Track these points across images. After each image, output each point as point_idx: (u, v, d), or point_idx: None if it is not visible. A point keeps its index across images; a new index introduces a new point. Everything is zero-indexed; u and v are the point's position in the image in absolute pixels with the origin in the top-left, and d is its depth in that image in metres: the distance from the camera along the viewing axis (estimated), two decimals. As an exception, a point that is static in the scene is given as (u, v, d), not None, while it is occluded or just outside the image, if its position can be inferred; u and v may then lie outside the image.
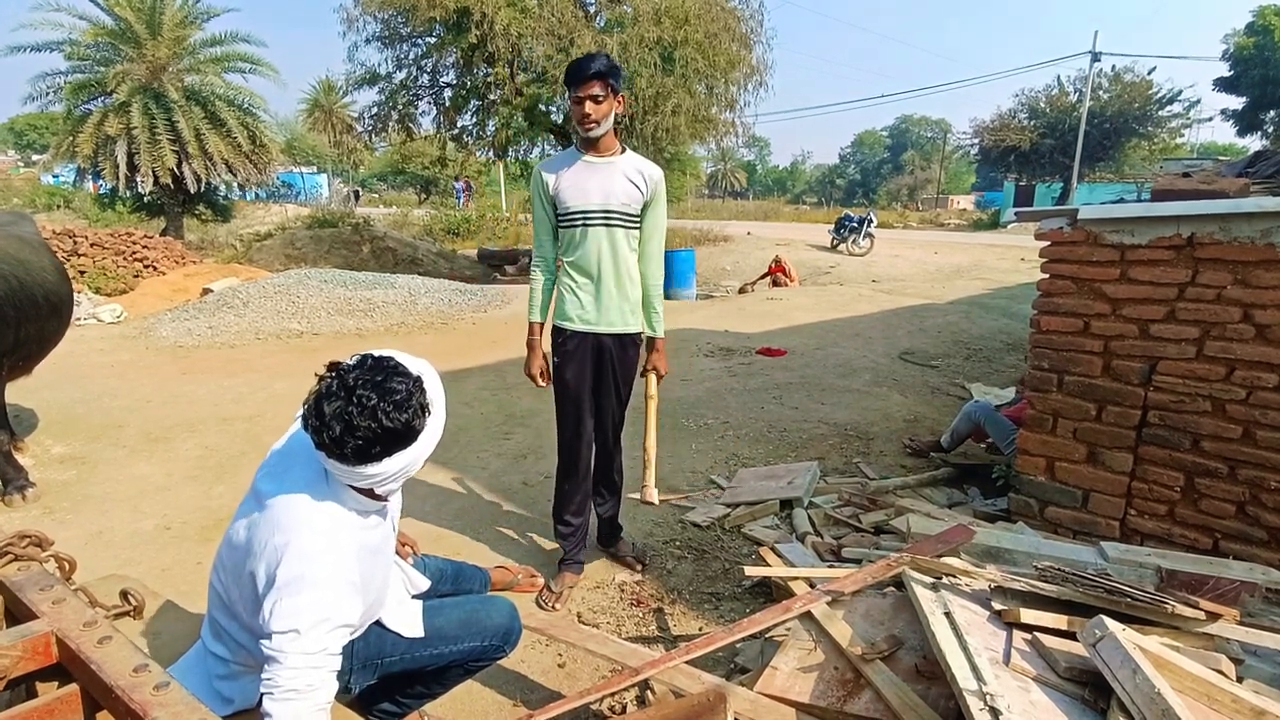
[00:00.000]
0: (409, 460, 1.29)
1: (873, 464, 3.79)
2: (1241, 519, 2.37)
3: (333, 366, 1.29)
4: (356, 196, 33.32)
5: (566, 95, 2.56)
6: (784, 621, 1.95)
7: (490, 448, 4.20)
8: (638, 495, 2.72)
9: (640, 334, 2.63)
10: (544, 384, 2.61)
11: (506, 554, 2.94)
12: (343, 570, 1.29)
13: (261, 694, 1.22)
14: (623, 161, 2.47)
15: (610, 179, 2.44)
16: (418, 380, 1.30)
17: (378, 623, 1.56)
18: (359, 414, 1.21)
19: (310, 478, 1.34)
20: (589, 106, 2.32)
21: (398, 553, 1.87)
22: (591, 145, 2.44)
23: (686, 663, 1.82)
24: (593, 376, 2.58)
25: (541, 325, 2.60)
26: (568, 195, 2.44)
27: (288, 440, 1.45)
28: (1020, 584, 1.74)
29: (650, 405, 2.65)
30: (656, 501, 2.69)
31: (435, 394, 1.33)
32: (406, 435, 1.26)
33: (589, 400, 2.60)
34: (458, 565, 2.14)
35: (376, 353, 1.32)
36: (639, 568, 2.82)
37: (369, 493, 1.35)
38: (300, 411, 1.51)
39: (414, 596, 1.77)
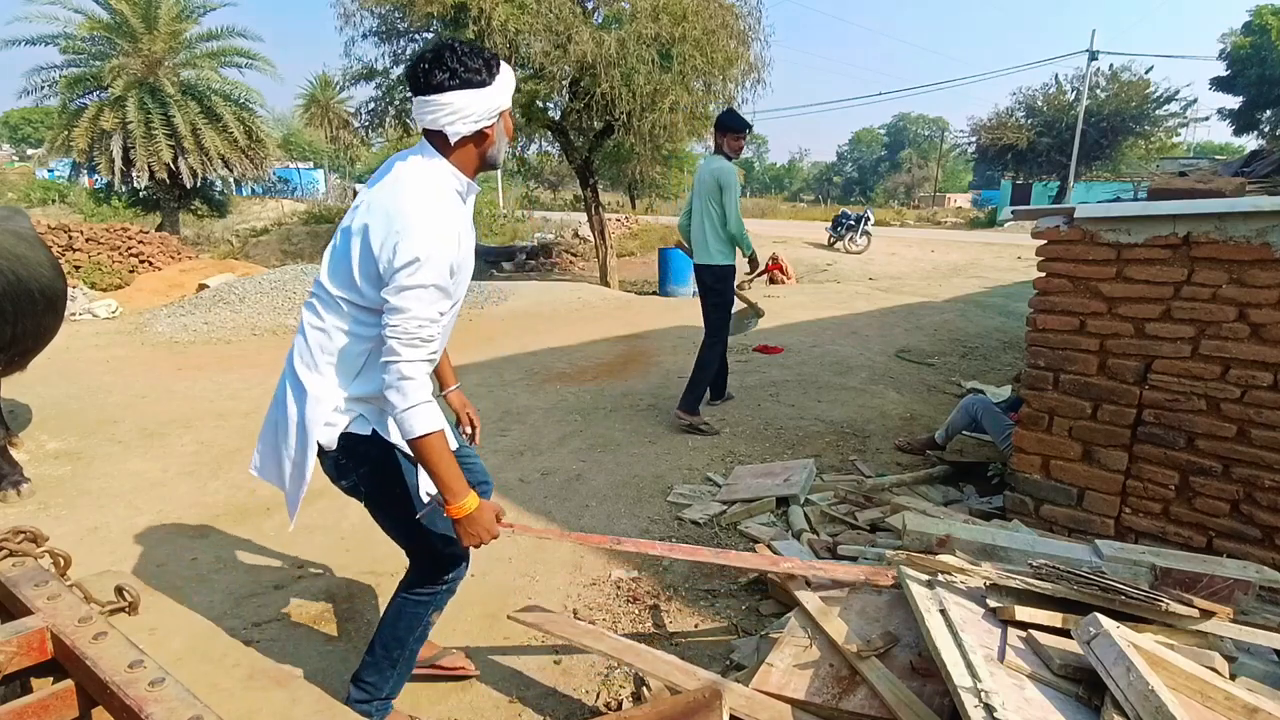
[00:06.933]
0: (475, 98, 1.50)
1: (869, 461, 3.79)
2: (1235, 517, 2.38)
3: None
4: None
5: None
6: (770, 573, 2.25)
7: (486, 444, 4.19)
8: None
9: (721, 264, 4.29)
10: None
11: (503, 551, 2.94)
12: (446, 218, 1.49)
13: (385, 335, 1.45)
14: None
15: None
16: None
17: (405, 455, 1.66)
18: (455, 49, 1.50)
19: (400, 172, 1.54)
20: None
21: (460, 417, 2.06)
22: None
23: (680, 660, 1.83)
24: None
25: None
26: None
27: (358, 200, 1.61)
28: (1015, 581, 1.74)
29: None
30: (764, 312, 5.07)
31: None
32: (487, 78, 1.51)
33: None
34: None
35: None
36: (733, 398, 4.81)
37: (472, 166, 1.60)
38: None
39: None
